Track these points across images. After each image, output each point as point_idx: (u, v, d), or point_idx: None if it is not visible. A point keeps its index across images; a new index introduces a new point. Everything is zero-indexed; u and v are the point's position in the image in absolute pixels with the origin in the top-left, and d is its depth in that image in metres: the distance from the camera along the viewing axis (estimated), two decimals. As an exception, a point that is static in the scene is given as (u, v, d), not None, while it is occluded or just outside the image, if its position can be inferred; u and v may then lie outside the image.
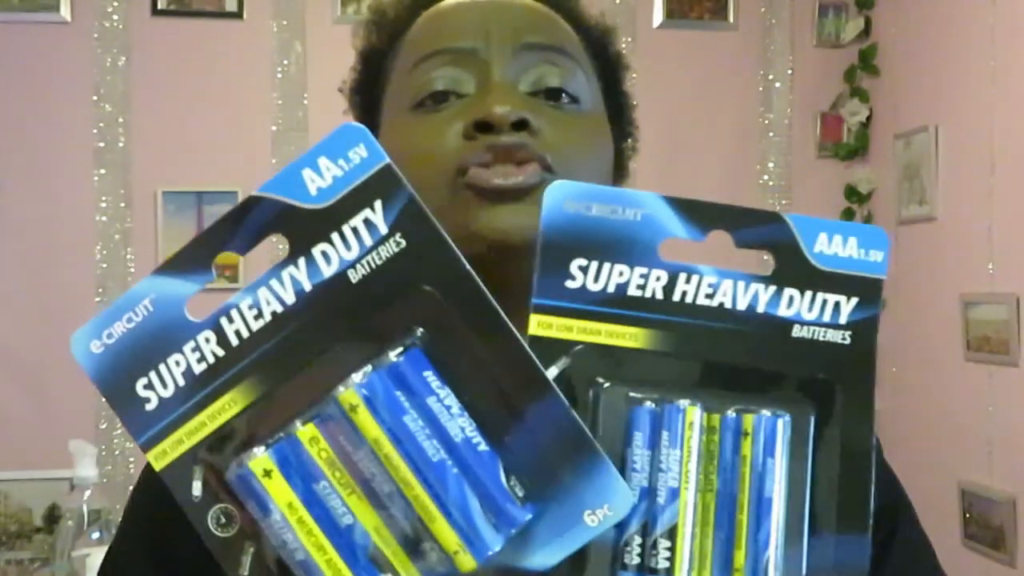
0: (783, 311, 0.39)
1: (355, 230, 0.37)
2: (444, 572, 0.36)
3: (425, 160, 0.57)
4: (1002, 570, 2.26)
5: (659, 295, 0.39)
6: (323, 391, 0.37)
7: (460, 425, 0.36)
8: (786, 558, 0.38)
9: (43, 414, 2.49)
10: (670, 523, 0.38)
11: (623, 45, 0.70)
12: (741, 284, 0.39)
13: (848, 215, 2.89)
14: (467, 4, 0.62)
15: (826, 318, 0.39)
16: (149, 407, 0.37)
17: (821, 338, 0.39)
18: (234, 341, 0.37)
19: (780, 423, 0.38)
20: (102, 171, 2.63)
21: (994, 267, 2.30)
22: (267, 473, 0.36)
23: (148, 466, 0.65)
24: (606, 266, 0.39)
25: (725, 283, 0.39)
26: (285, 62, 2.70)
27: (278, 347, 0.37)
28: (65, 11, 2.61)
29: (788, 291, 0.39)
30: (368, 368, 0.37)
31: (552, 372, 0.38)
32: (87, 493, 1.47)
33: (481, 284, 0.37)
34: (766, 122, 2.90)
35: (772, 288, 0.39)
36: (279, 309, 0.38)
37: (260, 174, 2.66)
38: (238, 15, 2.71)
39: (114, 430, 2.55)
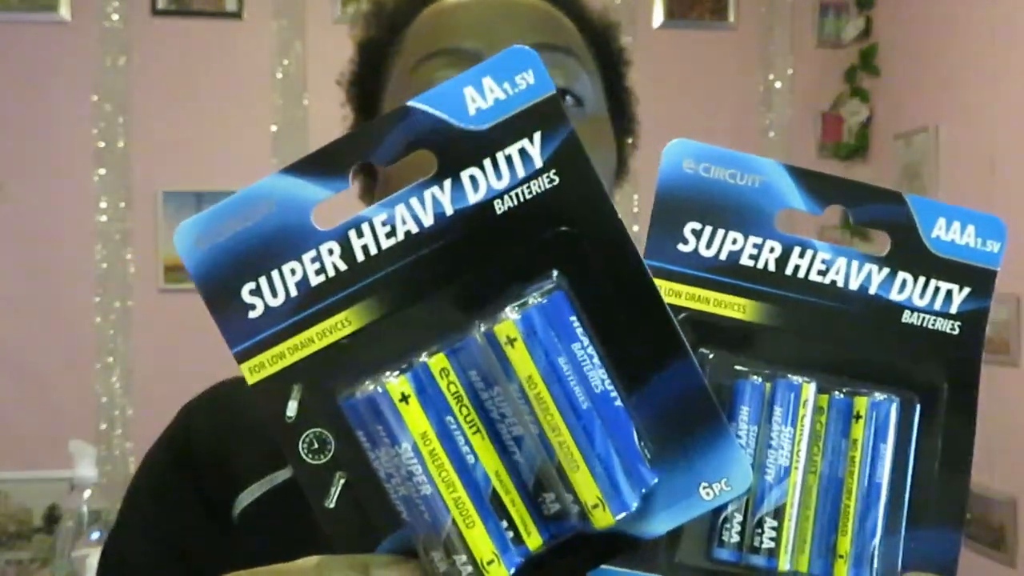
0: (895, 295, 0.38)
1: (509, 159, 0.35)
2: (566, 525, 0.35)
3: (426, 171, 0.57)
4: (1002, 570, 2.26)
5: (771, 267, 0.38)
6: (452, 323, 0.35)
7: (601, 376, 0.34)
8: (885, 546, 0.37)
9: (43, 414, 2.49)
10: (779, 502, 0.37)
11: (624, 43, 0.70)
12: (855, 263, 0.38)
13: (847, 215, 2.89)
14: (471, 3, 0.61)
15: (937, 306, 0.39)
16: (253, 314, 0.35)
17: (931, 326, 0.38)
18: (360, 257, 0.35)
19: (893, 407, 0.38)
20: (102, 171, 2.63)
21: (994, 267, 2.30)
22: (404, 398, 0.34)
23: (177, 421, 0.66)
24: (720, 232, 0.38)
25: (839, 261, 0.38)
26: (285, 62, 2.70)
27: (406, 269, 0.35)
28: (65, 11, 2.61)
29: (902, 275, 0.38)
30: (525, 301, 0.34)
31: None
32: (87, 493, 1.47)
33: (629, 235, 0.35)
34: (766, 122, 2.90)
35: (886, 270, 0.38)
36: (414, 229, 0.35)
37: (260, 174, 2.63)
38: (238, 15, 2.71)
39: (114, 431, 2.55)
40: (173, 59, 2.67)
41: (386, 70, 0.64)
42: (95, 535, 1.39)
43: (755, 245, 0.38)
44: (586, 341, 0.35)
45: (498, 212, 0.35)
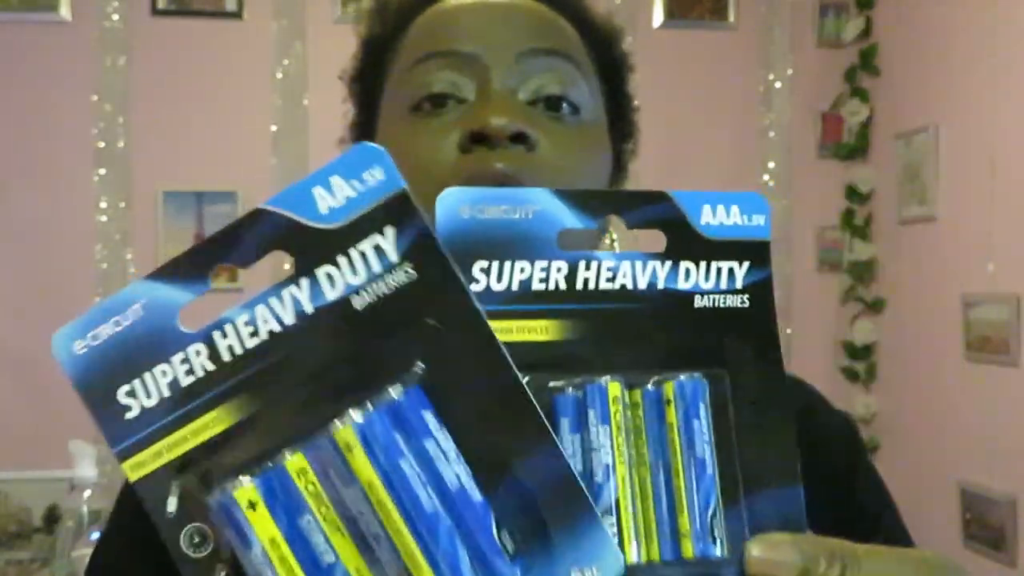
0: (682, 284, 0.40)
1: (363, 255, 0.36)
2: None
3: (421, 171, 0.57)
4: (1002, 570, 2.26)
5: (563, 285, 0.39)
6: (316, 420, 0.36)
7: (456, 472, 0.35)
8: (727, 518, 0.38)
9: (43, 414, 2.49)
10: (611, 498, 0.38)
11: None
12: (639, 264, 0.40)
13: (848, 215, 2.89)
14: (471, 5, 0.61)
15: (723, 285, 0.41)
16: (129, 415, 0.36)
17: (721, 304, 0.40)
18: (226, 357, 0.36)
19: (697, 384, 0.39)
20: (102, 171, 2.63)
21: (994, 267, 2.30)
22: (252, 505, 0.35)
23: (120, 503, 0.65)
24: (507, 264, 0.39)
25: (623, 265, 0.40)
26: (285, 62, 2.70)
27: (271, 368, 0.36)
28: (65, 11, 2.61)
29: (684, 264, 0.40)
30: (368, 406, 0.36)
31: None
32: (87, 493, 1.47)
33: (488, 323, 0.37)
34: (766, 122, 2.90)
35: (668, 263, 0.40)
36: (276, 328, 0.36)
37: (260, 174, 2.66)
38: (238, 15, 2.71)
39: (114, 430, 2.55)
40: (173, 59, 2.68)
41: (387, 67, 0.64)
42: (95, 535, 1.39)
43: (542, 268, 0.39)
44: (442, 436, 0.36)
45: (357, 307, 0.36)
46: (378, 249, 0.36)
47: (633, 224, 0.41)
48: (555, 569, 0.35)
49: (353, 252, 0.36)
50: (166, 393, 0.36)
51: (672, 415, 0.39)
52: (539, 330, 0.39)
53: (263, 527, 0.35)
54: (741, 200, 0.41)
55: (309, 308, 0.36)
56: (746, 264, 0.41)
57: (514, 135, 0.55)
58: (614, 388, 0.39)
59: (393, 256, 0.36)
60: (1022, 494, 2.22)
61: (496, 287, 0.39)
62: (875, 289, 2.85)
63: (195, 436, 0.36)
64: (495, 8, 0.61)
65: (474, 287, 0.38)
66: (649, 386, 0.40)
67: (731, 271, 0.41)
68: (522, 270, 0.39)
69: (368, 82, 0.66)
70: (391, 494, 0.35)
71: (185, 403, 0.36)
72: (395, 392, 0.36)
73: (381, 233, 0.36)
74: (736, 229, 0.41)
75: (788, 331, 2.90)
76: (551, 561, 0.35)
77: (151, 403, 0.36)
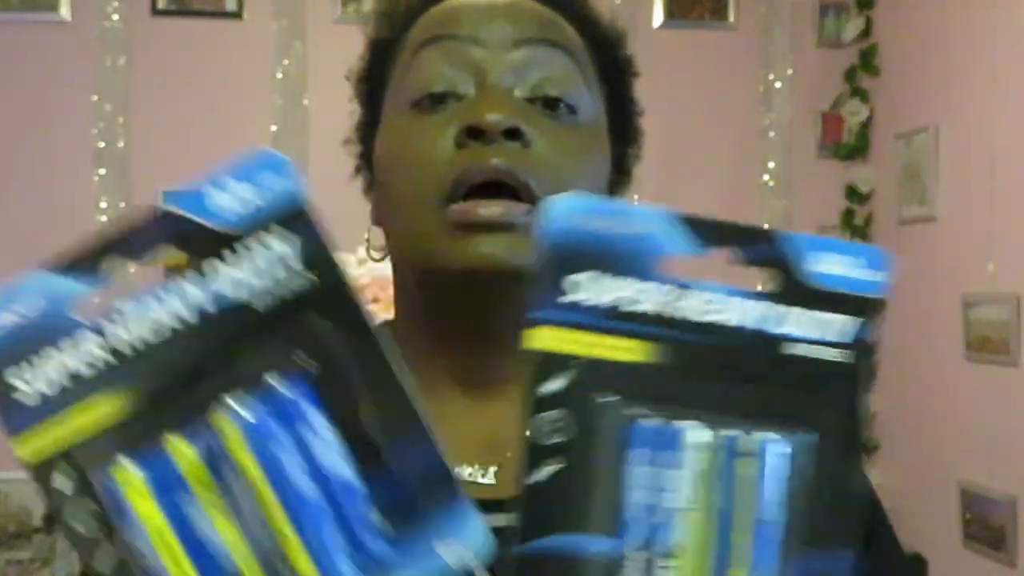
0: (778, 328, 0.39)
1: (259, 255, 0.38)
2: None
3: (418, 165, 0.58)
4: (1002, 570, 2.26)
5: (658, 310, 0.39)
6: (200, 406, 0.38)
7: (332, 458, 0.37)
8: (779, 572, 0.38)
9: (43, 414, 2.49)
10: (671, 542, 0.38)
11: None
12: (741, 301, 0.39)
13: (848, 215, 2.89)
14: (472, 2, 0.62)
15: (822, 337, 0.39)
16: (18, 396, 0.38)
17: (816, 357, 0.39)
18: (116, 345, 0.38)
19: (778, 444, 0.38)
20: (102, 171, 2.63)
21: (994, 267, 2.30)
22: (131, 483, 0.37)
23: None
24: (605, 280, 0.39)
25: (723, 299, 0.39)
26: (285, 62, 2.70)
27: (161, 356, 0.37)
28: (65, 11, 2.61)
29: (785, 309, 0.39)
30: (245, 395, 0.37)
31: (556, 384, 0.38)
32: (87, 493, 1.47)
33: (369, 317, 0.38)
34: (766, 122, 2.90)
35: (770, 306, 0.39)
36: (167, 319, 0.38)
37: (260, 174, 2.66)
38: (238, 15, 2.71)
39: (114, 430, 2.55)
40: (173, 59, 2.68)
41: (391, 67, 0.65)
42: (95, 535, 1.40)
43: (639, 290, 0.39)
44: (319, 423, 0.37)
45: (246, 303, 0.38)
46: (274, 250, 0.38)
47: (742, 260, 0.40)
48: (420, 542, 0.37)
49: (249, 252, 0.38)
50: (54, 377, 0.38)
51: (745, 468, 0.38)
52: (625, 350, 0.39)
53: (142, 505, 0.37)
54: (862, 252, 0.40)
55: (201, 301, 0.38)
56: (851, 319, 0.39)
57: (509, 131, 0.56)
58: (692, 433, 0.38)
59: (291, 258, 0.38)
60: (1022, 494, 2.22)
61: (590, 301, 0.39)
62: (875, 289, 2.85)
63: (83, 418, 0.37)
64: (497, 3, 0.62)
65: (567, 297, 0.39)
66: (728, 432, 0.39)
67: (833, 324, 0.39)
68: (619, 288, 0.39)
69: (373, 82, 0.67)
70: (268, 478, 0.37)
71: (74, 387, 0.37)
72: (275, 380, 0.37)
73: (278, 237, 0.38)
74: (849, 282, 0.40)
75: (788, 331, 2.90)
76: (418, 536, 0.37)
77: (40, 386, 0.37)
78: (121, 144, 2.64)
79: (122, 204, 2.63)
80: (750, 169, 2.89)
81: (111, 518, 0.37)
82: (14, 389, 0.37)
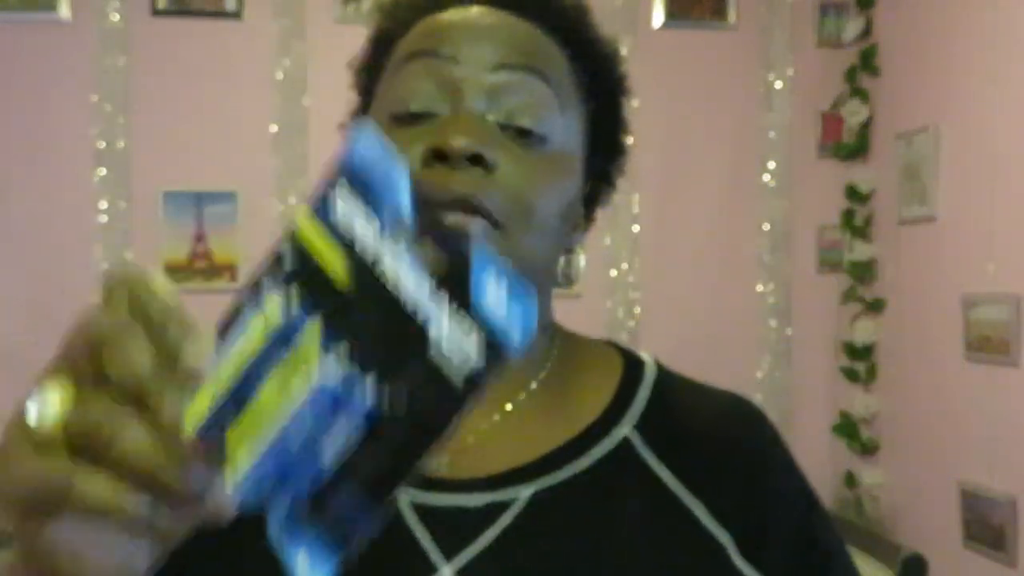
0: (428, 318, 0.38)
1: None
2: None
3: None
4: (1002, 570, 2.26)
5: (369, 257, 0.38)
6: None
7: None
8: None
9: (43, 414, 2.48)
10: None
11: (623, 48, 0.70)
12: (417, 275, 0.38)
13: (848, 215, 2.89)
14: (463, 18, 0.64)
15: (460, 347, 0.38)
16: None
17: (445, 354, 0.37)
18: None
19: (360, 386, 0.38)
20: (102, 171, 2.63)
21: (994, 267, 2.30)
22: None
23: None
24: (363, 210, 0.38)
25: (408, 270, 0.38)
26: (285, 62, 2.70)
27: None
28: (65, 11, 2.61)
29: (443, 306, 0.38)
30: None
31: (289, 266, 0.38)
32: (87, 493, 1.47)
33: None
34: (766, 122, 2.90)
35: (436, 293, 0.38)
36: None
37: (260, 175, 2.66)
38: (238, 15, 2.71)
39: (114, 430, 2.55)
40: (173, 59, 2.67)
41: (386, 63, 0.67)
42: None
43: (373, 234, 0.38)
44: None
45: None
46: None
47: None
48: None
49: None
50: None
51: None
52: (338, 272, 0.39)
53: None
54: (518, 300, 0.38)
55: None
56: (486, 353, 0.37)
57: (473, 157, 0.58)
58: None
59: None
60: (1022, 494, 2.22)
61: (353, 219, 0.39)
62: (875, 289, 2.85)
63: None
64: (483, 21, 0.64)
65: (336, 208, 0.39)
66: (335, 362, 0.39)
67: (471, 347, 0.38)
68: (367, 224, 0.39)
69: (371, 75, 0.69)
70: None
71: None
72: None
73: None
74: (497, 320, 0.37)
75: (788, 331, 2.90)
76: None
77: None
78: (121, 144, 2.64)
79: (122, 204, 2.63)
80: (750, 169, 2.88)
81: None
82: None
